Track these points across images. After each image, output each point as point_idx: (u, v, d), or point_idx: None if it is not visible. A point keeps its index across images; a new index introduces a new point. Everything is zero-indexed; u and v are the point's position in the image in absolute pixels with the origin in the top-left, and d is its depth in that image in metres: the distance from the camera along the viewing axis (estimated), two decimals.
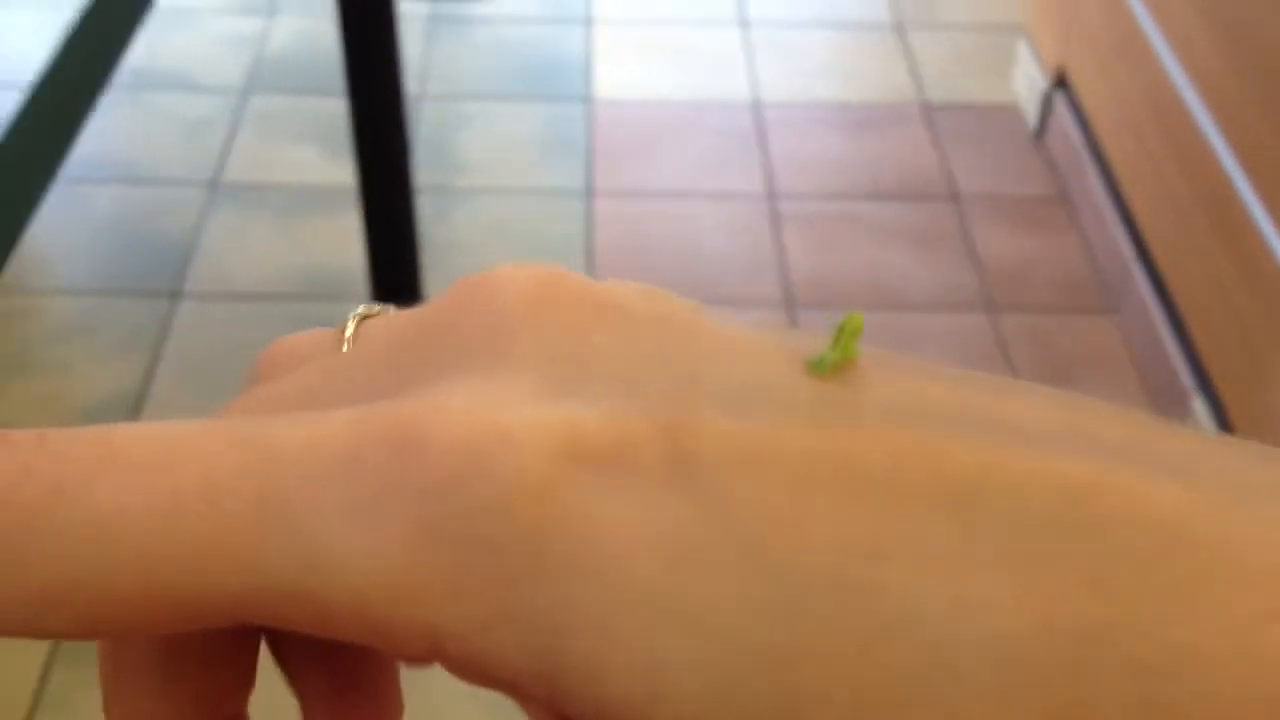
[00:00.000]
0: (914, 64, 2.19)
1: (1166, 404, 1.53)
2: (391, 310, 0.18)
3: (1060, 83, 1.93)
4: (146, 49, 2.12)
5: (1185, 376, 1.50)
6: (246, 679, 0.17)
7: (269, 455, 0.13)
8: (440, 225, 1.82)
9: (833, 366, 0.15)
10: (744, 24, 2.27)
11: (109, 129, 1.96)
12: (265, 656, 0.18)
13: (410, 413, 0.14)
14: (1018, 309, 1.73)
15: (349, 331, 0.18)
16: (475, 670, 0.13)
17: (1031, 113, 2.02)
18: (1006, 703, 0.12)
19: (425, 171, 1.91)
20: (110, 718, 0.17)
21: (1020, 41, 2.10)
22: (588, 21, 2.27)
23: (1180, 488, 0.13)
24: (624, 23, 2.27)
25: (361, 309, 0.18)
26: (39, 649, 1.31)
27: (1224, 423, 1.40)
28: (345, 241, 1.75)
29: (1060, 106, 1.92)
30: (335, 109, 2.01)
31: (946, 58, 2.20)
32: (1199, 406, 1.45)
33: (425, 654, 0.13)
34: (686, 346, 0.15)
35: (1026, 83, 2.05)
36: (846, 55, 2.21)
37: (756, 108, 2.08)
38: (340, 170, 1.91)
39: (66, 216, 1.81)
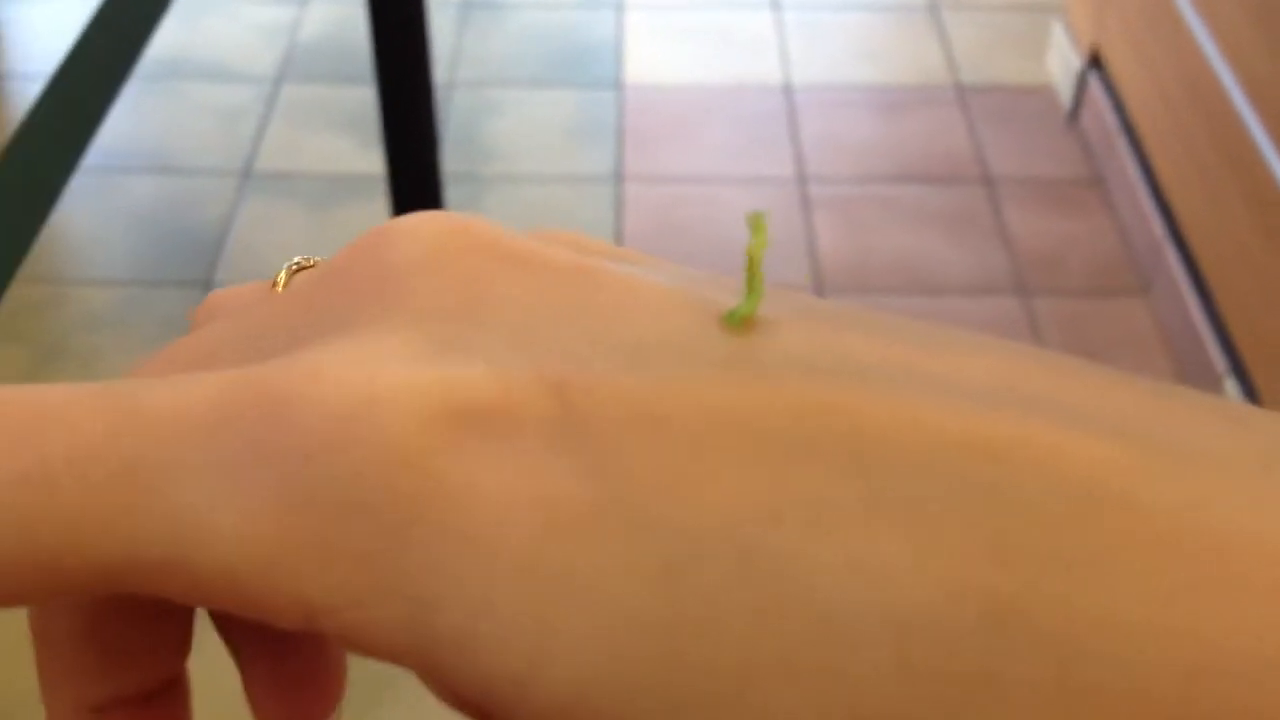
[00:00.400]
0: (947, 45, 2.17)
1: (1199, 386, 1.51)
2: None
3: (1095, 63, 1.91)
4: (180, 38, 2.14)
5: (1217, 359, 1.48)
6: (183, 641, 0.16)
7: (137, 420, 0.13)
8: (470, 212, 1.83)
9: (744, 319, 0.15)
10: (776, 6, 2.26)
11: (142, 119, 1.98)
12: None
13: (283, 375, 0.13)
14: (1050, 292, 1.71)
15: (281, 283, 0.17)
16: (352, 644, 0.13)
17: (1065, 94, 2.00)
18: (906, 674, 0.11)
19: (456, 159, 1.92)
20: (43, 680, 0.16)
21: (1055, 22, 2.07)
22: (619, 6, 2.26)
23: (1107, 447, 0.13)
24: (655, 7, 2.26)
25: (298, 259, 0.18)
26: None
27: (1256, 405, 1.38)
28: None
29: (1094, 87, 1.90)
30: (366, 98, 2.02)
31: (980, 39, 2.18)
32: (1231, 388, 1.43)
33: (302, 626, 0.13)
34: (595, 300, 0.14)
35: (1061, 63, 2.02)
36: (879, 37, 2.19)
37: (788, 91, 2.07)
38: (371, 159, 1.92)
39: (99, 206, 1.83)
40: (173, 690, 0.17)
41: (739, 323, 0.15)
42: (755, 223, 0.16)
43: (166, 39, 2.14)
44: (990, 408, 0.13)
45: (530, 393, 0.13)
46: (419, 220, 0.15)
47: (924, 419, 0.13)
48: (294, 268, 0.17)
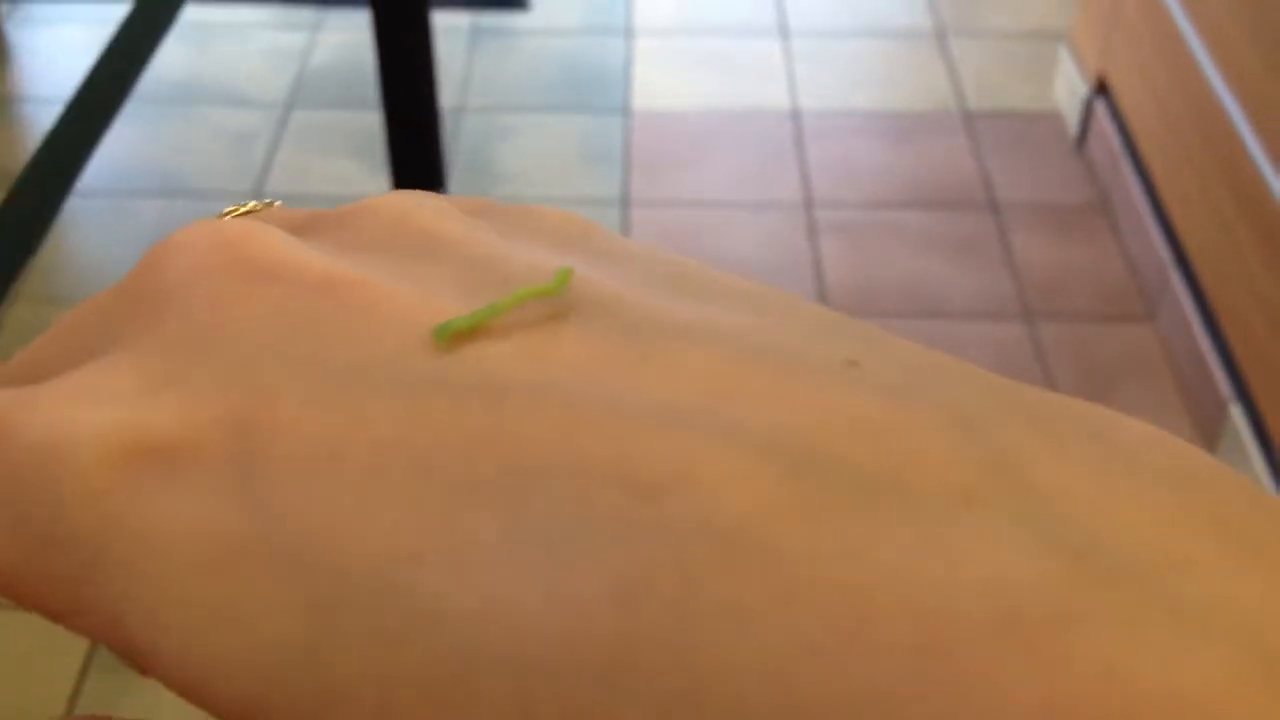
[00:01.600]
0: (954, 72, 2.18)
1: (1204, 412, 1.51)
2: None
3: (1101, 90, 1.91)
4: (192, 64, 2.16)
5: (1223, 385, 1.48)
6: None
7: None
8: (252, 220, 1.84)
9: (454, 335, 0.14)
10: (784, 33, 2.27)
11: (153, 142, 2.00)
12: None
13: (14, 405, 0.14)
14: (1056, 317, 1.71)
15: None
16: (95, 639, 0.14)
17: (1072, 120, 2.00)
18: (523, 709, 0.12)
19: (465, 182, 1.93)
20: None
21: (1061, 49, 2.08)
22: (628, 32, 2.28)
23: (776, 486, 0.12)
24: (664, 33, 2.27)
25: (249, 205, 0.18)
26: (76, 655, 1.33)
27: (1261, 431, 1.38)
28: None
29: (1101, 114, 1.90)
30: (376, 123, 2.04)
31: (987, 65, 2.19)
32: (1237, 414, 1.43)
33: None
34: (328, 319, 0.15)
35: (1068, 90, 2.03)
36: (886, 63, 2.20)
37: (795, 117, 2.07)
38: (379, 182, 1.93)
39: (109, 229, 1.84)
40: None
41: (446, 339, 0.14)
42: (560, 276, 0.15)
43: (179, 64, 2.16)
44: (667, 429, 0.13)
45: (213, 431, 0.14)
46: (193, 234, 0.16)
47: (589, 452, 0.13)
48: (234, 213, 0.18)
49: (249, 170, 1.95)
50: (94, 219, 1.86)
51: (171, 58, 2.17)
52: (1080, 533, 0.12)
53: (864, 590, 0.12)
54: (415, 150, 1.46)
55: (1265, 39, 1.39)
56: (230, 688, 0.13)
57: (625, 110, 2.09)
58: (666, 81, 2.16)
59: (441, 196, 0.18)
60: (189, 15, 2.26)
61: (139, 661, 0.14)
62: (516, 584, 0.12)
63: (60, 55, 2.17)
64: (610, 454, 0.13)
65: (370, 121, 2.05)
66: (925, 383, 0.14)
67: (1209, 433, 1.50)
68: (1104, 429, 0.14)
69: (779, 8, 2.34)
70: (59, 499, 0.14)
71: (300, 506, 0.13)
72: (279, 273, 0.15)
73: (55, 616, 0.14)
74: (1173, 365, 1.62)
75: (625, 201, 1.91)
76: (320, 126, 2.04)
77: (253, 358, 0.14)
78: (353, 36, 2.23)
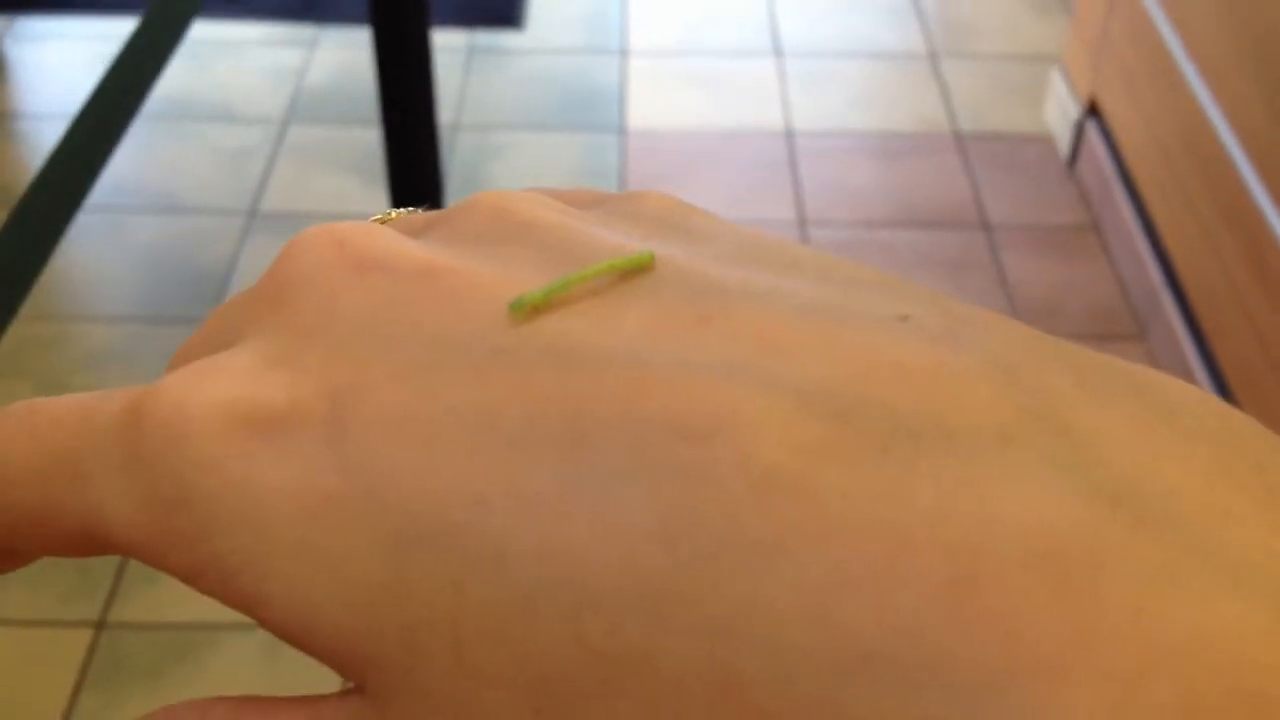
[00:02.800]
0: (947, 93, 2.20)
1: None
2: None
3: (1093, 112, 1.93)
4: (189, 81, 2.17)
5: None
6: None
7: (83, 428, 0.16)
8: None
9: (529, 308, 0.16)
10: (778, 54, 2.29)
11: (151, 159, 2.00)
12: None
13: (151, 391, 0.16)
14: None
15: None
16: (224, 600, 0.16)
17: (1064, 142, 2.02)
18: (580, 649, 0.13)
19: (460, 200, 1.94)
20: None
21: (1053, 71, 2.10)
22: (622, 52, 2.29)
23: (813, 427, 0.13)
24: (659, 53, 2.29)
25: (393, 212, 0.20)
26: (69, 672, 1.33)
27: None
28: None
29: (1092, 136, 1.92)
30: (372, 139, 2.04)
31: (979, 87, 2.21)
32: None
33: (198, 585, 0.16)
34: (420, 301, 0.16)
35: (1059, 112, 2.05)
36: (880, 85, 2.22)
37: (789, 137, 2.09)
38: (376, 199, 1.94)
39: (106, 245, 1.85)
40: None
41: (522, 311, 0.16)
42: (637, 258, 0.16)
43: (176, 81, 2.17)
44: (717, 381, 0.14)
45: (314, 401, 0.15)
46: (312, 235, 0.17)
47: (641, 404, 0.14)
48: (381, 220, 0.20)
49: (246, 187, 1.96)
50: (90, 236, 1.86)
51: (167, 74, 2.17)
52: (1118, 477, 0.13)
53: (899, 526, 0.12)
54: (414, 167, 1.47)
55: (1254, 61, 1.40)
56: (325, 626, 0.14)
57: (620, 129, 2.10)
58: (661, 101, 2.17)
59: (546, 189, 0.19)
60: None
61: (252, 612, 0.15)
62: (570, 523, 0.13)
63: (58, 71, 2.17)
64: (660, 404, 0.14)
65: (367, 138, 2.06)
66: (975, 333, 0.15)
67: None
68: (1148, 385, 0.15)
69: (773, 29, 2.35)
70: (182, 465, 0.15)
71: (381, 461, 0.15)
72: (381, 264, 0.17)
73: (182, 577, 0.16)
74: None
75: None
76: (317, 143, 2.05)
77: (352, 337, 0.16)
78: (349, 54, 2.24)
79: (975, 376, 0.14)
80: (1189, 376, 1.55)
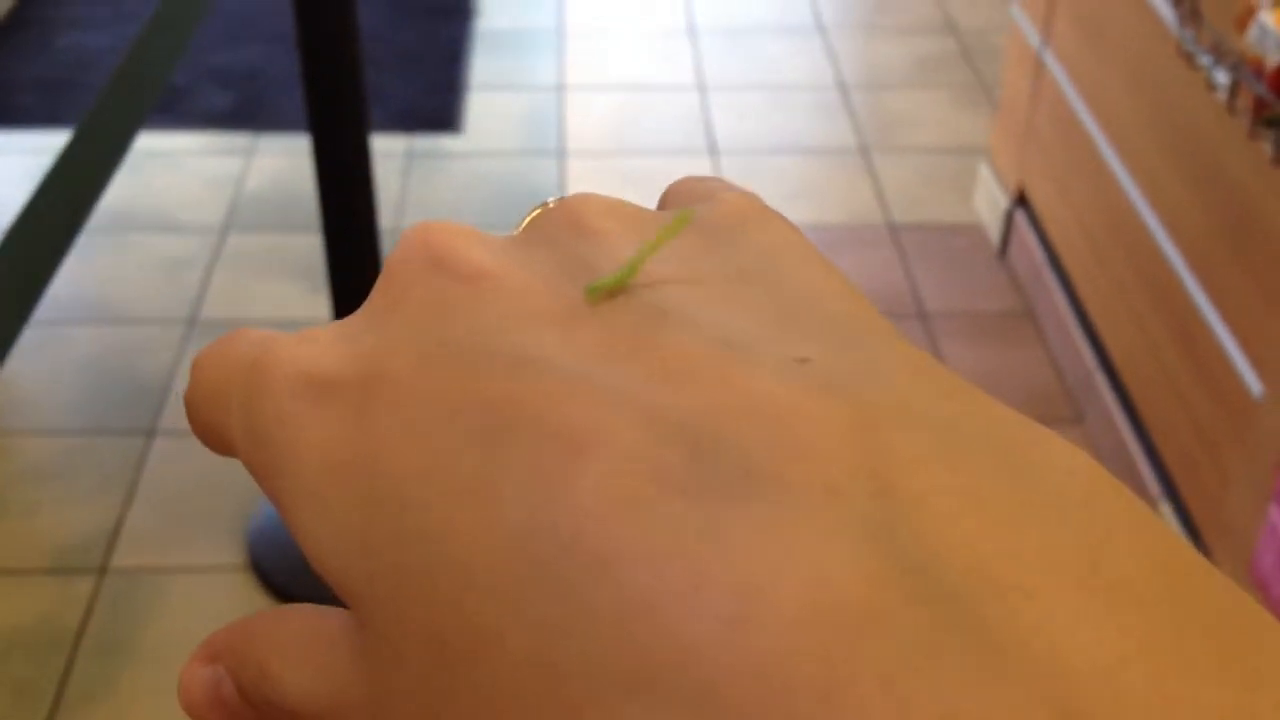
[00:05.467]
0: (879, 186, 2.24)
1: (1097, 463, 1.53)
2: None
3: (1021, 201, 1.98)
4: (126, 190, 2.16)
5: (1152, 484, 1.51)
6: None
7: (234, 364, 0.20)
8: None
9: (605, 292, 0.18)
10: (713, 152, 2.33)
11: (88, 270, 1.99)
12: None
13: (270, 342, 0.19)
14: None
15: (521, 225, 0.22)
16: None
17: (994, 231, 2.07)
18: (458, 615, 0.15)
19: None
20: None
21: (981, 162, 2.15)
22: (560, 153, 2.32)
23: (672, 461, 0.15)
24: (596, 154, 2.32)
25: (547, 201, 0.23)
26: (44, 701, 1.28)
27: (1190, 527, 1.41)
28: None
29: (1021, 224, 1.96)
30: (313, 245, 2.05)
31: (911, 180, 2.25)
32: (1166, 512, 1.46)
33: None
34: (463, 302, 0.19)
35: (988, 202, 2.09)
36: (813, 179, 2.26)
37: None
38: (318, 304, 1.93)
39: (43, 358, 1.83)
40: None
41: (597, 295, 0.18)
42: (682, 216, 0.19)
43: (113, 191, 2.17)
44: (610, 403, 0.16)
45: (355, 376, 0.18)
46: (412, 233, 0.20)
47: (548, 412, 0.16)
48: (536, 212, 0.22)
49: (185, 296, 1.95)
50: (27, 348, 1.84)
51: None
52: (922, 548, 0.14)
53: (705, 561, 0.14)
54: (355, 271, 1.47)
55: (1172, 150, 1.45)
56: (327, 564, 0.17)
57: None
58: None
59: (624, 202, 0.22)
60: None
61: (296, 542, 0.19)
62: (473, 510, 0.16)
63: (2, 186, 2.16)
64: (561, 416, 0.16)
65: (307, 244, 2.06)
66: (867, 384, 0.16)
67: None
68: (1024, 449, 0.15)
69: (708, 129, 2.39)
70: (264, 412, 0.19)
71: (381, 429, 0.17)
72: (447, 266, 0.19)
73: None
74: (1102, 466, 1.65)
75: None
76: (257, 250, 2.05)
77: (403, 328, 0.18)
78: (287, 161, 2.26)
79: (829, 427, 0.15)
80: (1126, 459, 1.58)
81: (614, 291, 0.18)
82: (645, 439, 0.15)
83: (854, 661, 0.13)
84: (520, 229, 0.22)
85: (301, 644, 0.18)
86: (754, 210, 0.21)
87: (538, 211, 0.22)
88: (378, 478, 0.17)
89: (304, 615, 0.18)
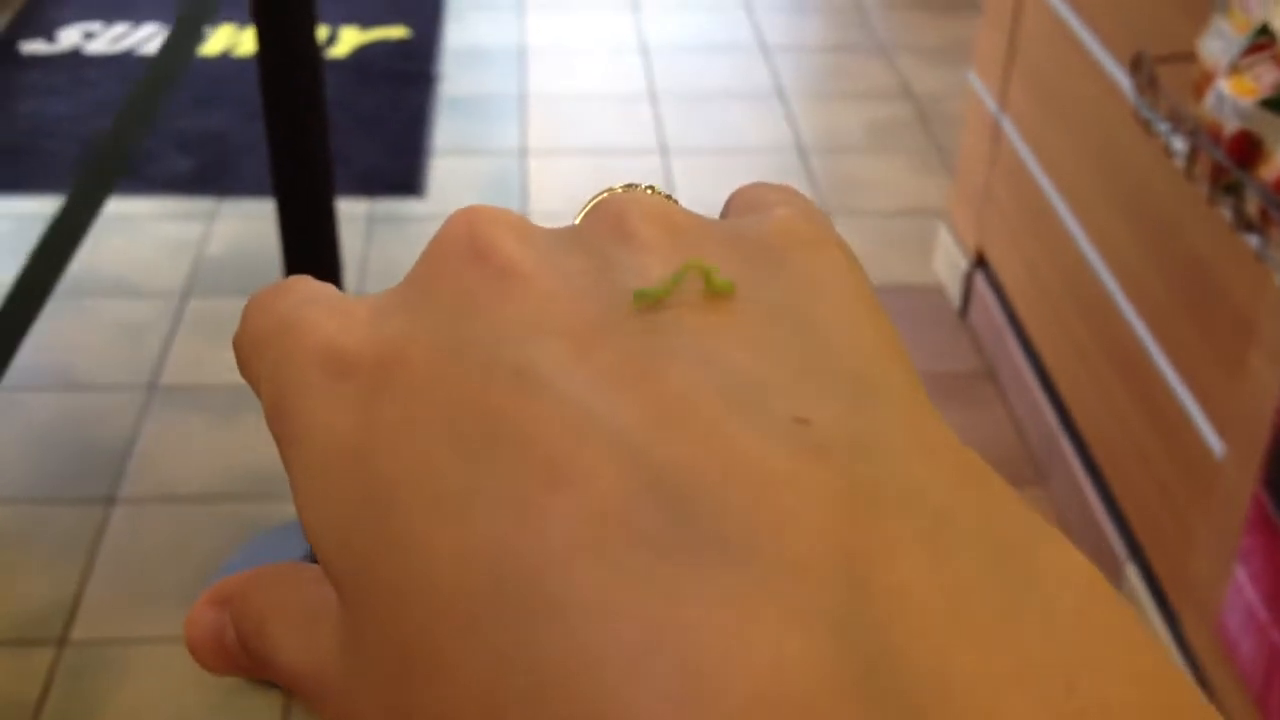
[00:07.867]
0: None
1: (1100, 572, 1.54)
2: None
3: (980, 262, 2.00)
4: (85, 256, 2.15)
5: (1117, 545, 1.52)
6: None
7: (273, 319, 0.20)
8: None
9: (653, 300, 0.18)
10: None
11: (47, 335, 1.97)
12: None
13: (304, 306, 0.19)
14: None
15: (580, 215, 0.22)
16: None
17: (954, 292, 2.09)
18: (429, 623, 0.15)
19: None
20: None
21: (940, 225, 2.18)
22: (523, 215, 2.32)
23: (647, 514, 0.15)
24: (560, 217, 2.31)
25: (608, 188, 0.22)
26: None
27: (1156, 588, 1.42)
28: None
29: (981, 285, 1.99)
30: None
31: (871, 242, 2.28)
32: (1132, 573, 1.47)
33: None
34: (488, 299, 0.18)
35: (948, 264, 2.12)
36: None
37: None
38: None
39: (1, 426, 1.80)
40: None
41: (643, 302, 0.18)
42: (719, 286, 0.18)
43: (74, 257, 2.15)
44: (599, 441, 0.16)
45: (372, 354, 0.18)
46: (457, 217, 0.20)
47: (539, 436, 0.16)
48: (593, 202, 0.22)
49: (144, 361, 1.93)
50: None
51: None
52: (886, 645, 0.13)
53: (659, 627, 0.13)
54: None
55: (1126, 210, 1.47)
56: (321, 548, 0.17)
57: None
58: None
59: (675, 206, 0.21)
60: None
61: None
62: (447, 524, 0.15)
63: None
64: (549, 444, 0.16)
65: None
66: (872, 456, 0.15)
67: None
68: (1024, 550, 0.14)
69: (670, 191, 2.40)
70: (286, 379, 0.19)
71: (382, 427, 0.17)
72: (484, 258, 0.19)
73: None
74: (1066, 528, 1.66)
75: None
76: (218, 316, 2.04)
77: (428, 314, 0.18)
78: (249, 225, 2.25)
79: (813, 500, 0.14)
80: (1091, 520, 1.59)
81: (662, 300, 0.18)
82: (625, 484, 0.15)
83: None
84: (579, 217, 0.21)
85: (298, 611, 0.18)
86: (807, 234, 0.20)
87: (602, 196, 0.21)
88: (372, 476, 0.17)
89: (308, 581, 0.18)
